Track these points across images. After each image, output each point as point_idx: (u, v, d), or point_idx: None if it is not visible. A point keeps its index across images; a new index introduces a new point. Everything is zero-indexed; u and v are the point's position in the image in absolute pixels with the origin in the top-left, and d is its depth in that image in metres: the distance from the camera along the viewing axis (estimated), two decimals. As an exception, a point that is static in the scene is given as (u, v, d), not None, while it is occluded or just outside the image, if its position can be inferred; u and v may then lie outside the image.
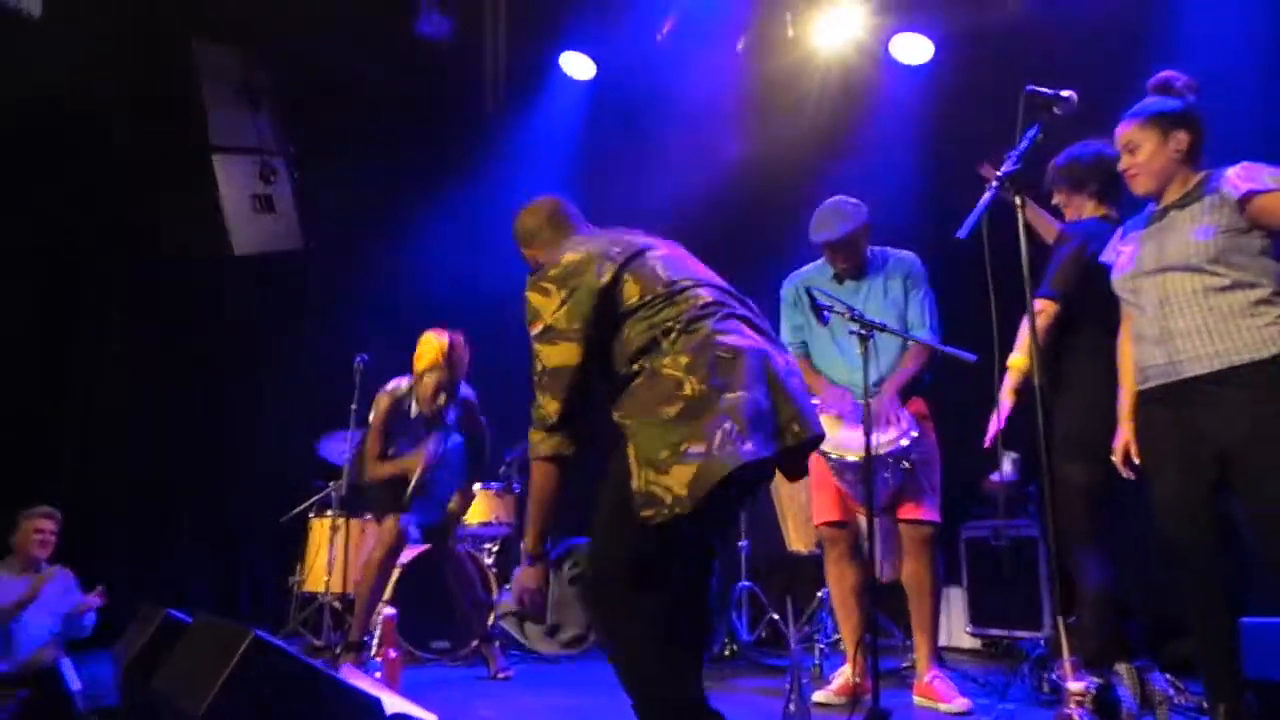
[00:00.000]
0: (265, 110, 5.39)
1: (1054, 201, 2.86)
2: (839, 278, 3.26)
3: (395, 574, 3.77)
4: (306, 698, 1.74)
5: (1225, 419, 2.13)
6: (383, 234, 5.78)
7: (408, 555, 3.83)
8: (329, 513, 4.35)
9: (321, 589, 4.11)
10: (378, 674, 2.39)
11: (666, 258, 2.01)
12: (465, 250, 5.63)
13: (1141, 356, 2.31)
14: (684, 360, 1.80)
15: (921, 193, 5.00)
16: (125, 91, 4.79)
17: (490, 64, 5.79)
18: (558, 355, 1.88)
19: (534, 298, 1.93)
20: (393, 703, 2.06)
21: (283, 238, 5.44)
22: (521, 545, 2.01)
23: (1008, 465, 4.16)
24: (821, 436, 1.92)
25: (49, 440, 4.87)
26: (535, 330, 1.92)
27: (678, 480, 1.71)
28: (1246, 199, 2.15)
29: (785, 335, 3.34)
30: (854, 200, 3.23)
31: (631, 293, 1.91)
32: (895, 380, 3.08)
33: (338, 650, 3.57)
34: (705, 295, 1.93)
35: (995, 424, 2.61)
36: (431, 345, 3.61)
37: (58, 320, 5.02)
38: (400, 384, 3.69)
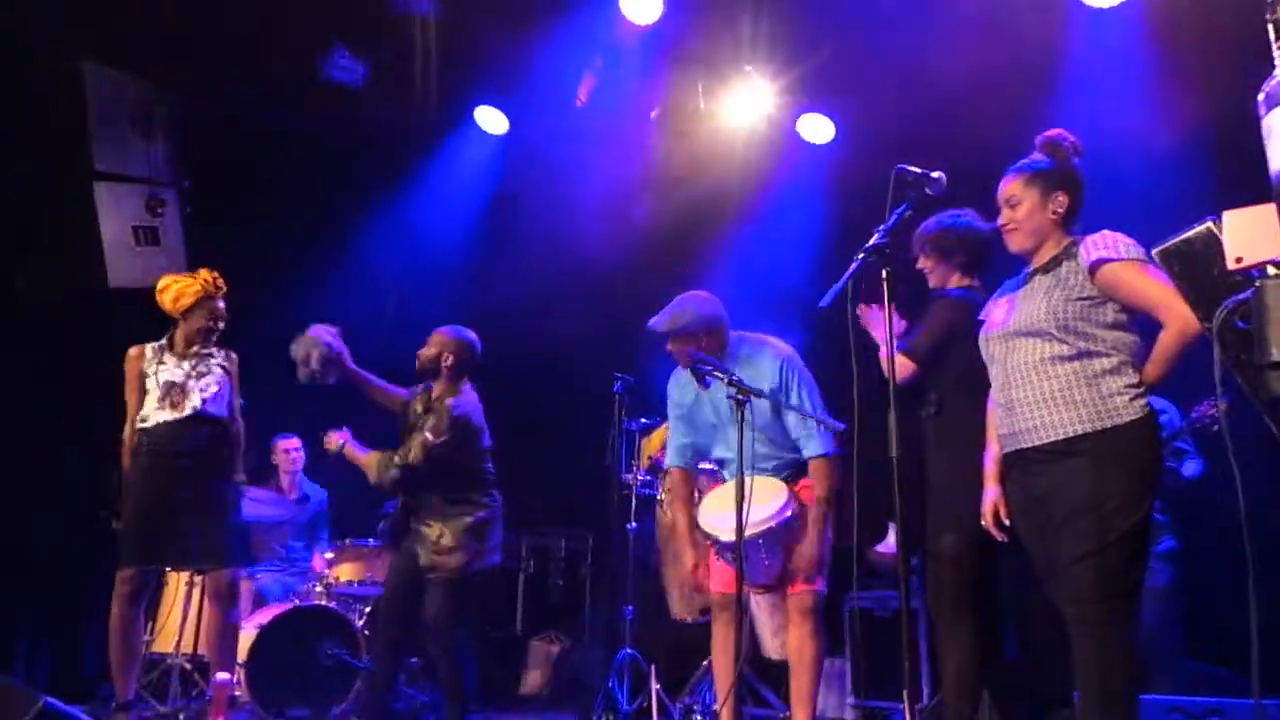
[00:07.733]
0: (160, 141, 5.21)
1: (919, 266, 2.82)
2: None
3: (254, 635, 3.54)
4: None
5: (1057, 489, 2.07)
6: (283, 281, 5.56)
7: (269, 614, 3.58)
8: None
9: (171, 649, 3.78)
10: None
11: None
12: (360, 300, 5.46)
13: (998, 422, 2.27)
14: None
15: (821, 266, 5.12)
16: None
17: (408, 112, 5.74)
18: None
19: None
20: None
21: (167, 271, 5.21)
22: None
23: (892, 536, 4.18)
24: None
25: None
26: None
27: None
28: (1095, 267, 2.12)
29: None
30: (704, 294, 3.15)
31: None
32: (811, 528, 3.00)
33: (180, 717, 3.28)
34: None
35: None
36: None
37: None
38: None
